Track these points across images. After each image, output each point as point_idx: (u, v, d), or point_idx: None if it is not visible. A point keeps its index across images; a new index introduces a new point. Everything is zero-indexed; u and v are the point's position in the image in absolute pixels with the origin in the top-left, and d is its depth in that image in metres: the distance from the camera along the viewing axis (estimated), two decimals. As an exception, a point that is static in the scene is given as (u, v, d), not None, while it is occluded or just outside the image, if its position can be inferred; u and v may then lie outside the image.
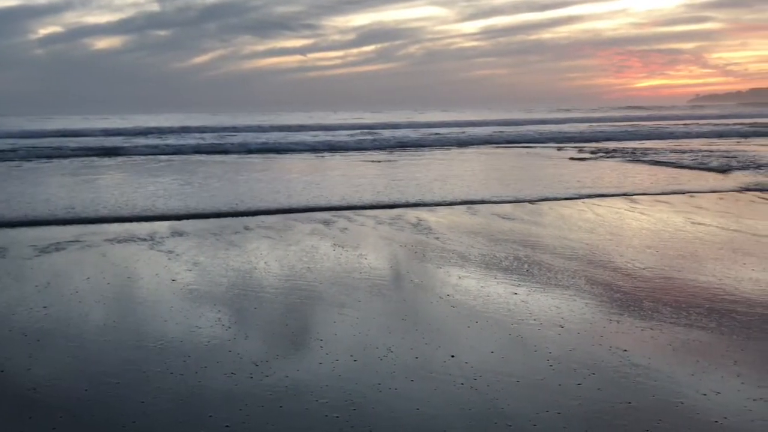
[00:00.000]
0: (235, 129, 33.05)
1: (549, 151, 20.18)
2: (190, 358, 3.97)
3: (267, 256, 6.45)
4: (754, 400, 3.31)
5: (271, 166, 16.78)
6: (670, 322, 4.45)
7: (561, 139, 23.63)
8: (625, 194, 10.35)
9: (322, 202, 9.79)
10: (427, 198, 10.16)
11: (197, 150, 20.77)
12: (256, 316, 4.78)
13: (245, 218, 8.63)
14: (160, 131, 31.44)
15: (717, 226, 7.69)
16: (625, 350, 3.98)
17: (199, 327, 4.51)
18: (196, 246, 7.00)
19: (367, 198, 10.22)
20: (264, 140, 24.14)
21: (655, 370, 3.68)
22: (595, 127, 32.40)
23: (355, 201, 9.52)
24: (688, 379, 3.56)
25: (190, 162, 18.09)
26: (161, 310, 4.88)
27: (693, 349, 3.99)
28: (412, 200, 9.69)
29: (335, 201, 9.93)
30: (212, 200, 10.30)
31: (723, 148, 19.82)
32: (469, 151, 20.67)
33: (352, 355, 3.97)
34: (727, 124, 36.68)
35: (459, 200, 9.90)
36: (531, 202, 9.58)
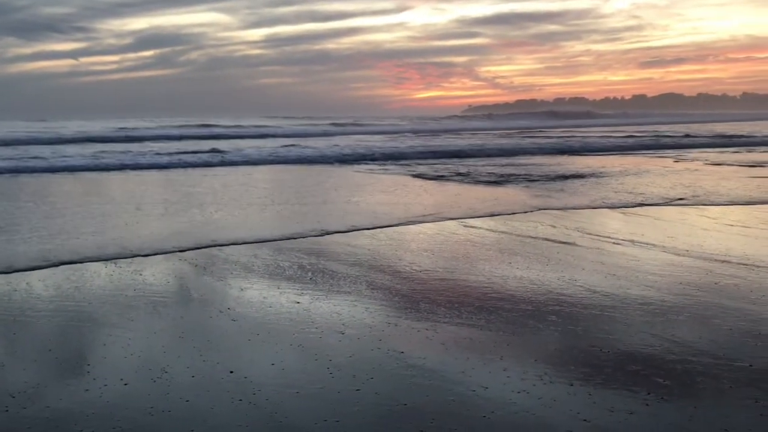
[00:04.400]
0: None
1: (332, 168, 20.47)
2: (-68, 396, 3.52)
3: (28, 275, 5.90)
4: (518, 392, 3.53)
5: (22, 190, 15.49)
6: (444, 322, 4.64)
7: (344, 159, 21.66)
8: (405, 203, 10.77)
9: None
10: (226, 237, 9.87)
11: None
12: (16, 342, 4.35)
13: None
14: None
15: (487, 229, 8.19)
16: (402, 352, 4.09)
17: (-55, 360, 4.01)
18: (-55, 268, 6.25)
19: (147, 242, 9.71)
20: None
21: (429, 370, 3.81)
22: (385, 142, 31.13)
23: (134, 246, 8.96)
24: (459, 377, 3.72)
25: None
26: None
27: (464, 346, 4.19)
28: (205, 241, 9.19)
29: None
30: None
31: (502, 163, 21.30)
32: (261, 170, 20.43)
33: (122, 379, 3.71)
34: (505, 134, 39.52)
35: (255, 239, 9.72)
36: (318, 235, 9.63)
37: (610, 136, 32.81)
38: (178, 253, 6.83)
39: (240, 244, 7.26)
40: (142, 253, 6.77)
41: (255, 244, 7.27)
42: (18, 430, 3.15)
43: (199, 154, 20.79)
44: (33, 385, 3.66)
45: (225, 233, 7.85)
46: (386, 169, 16.83)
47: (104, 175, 16.28)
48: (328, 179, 14.98)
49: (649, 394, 3.49)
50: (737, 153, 21.39)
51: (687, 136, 31.97)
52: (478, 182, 13.64)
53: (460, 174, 15.19)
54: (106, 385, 3.64)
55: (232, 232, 7.91)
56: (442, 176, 14.84)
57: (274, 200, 11.04)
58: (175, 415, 3.29)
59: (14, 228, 8.33)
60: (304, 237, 7.68)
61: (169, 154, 21.18)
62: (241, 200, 11.04)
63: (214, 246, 7.12)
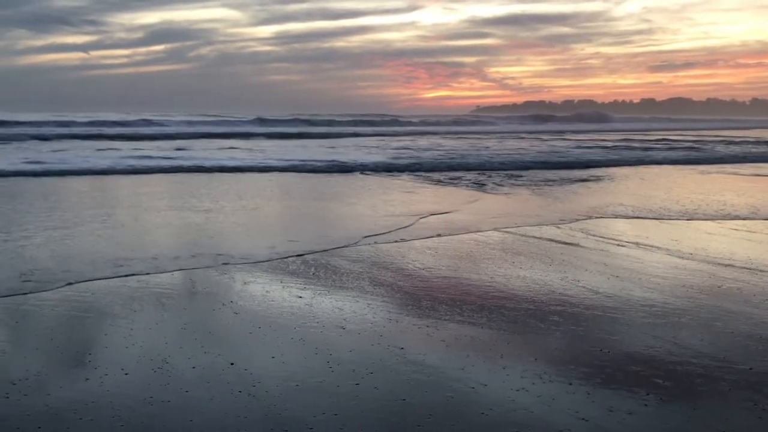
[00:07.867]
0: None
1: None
2: (-67, 381, 3.54)
3: (26, 264, 5.93)
4: (516, 390, 3.53)
5: None
6: (445, 320, 4.64)
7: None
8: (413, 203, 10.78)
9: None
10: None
11: None
12: (19, 330, 4.37)
13: None
14: None
15: (490, 228, 8.18)
16: (402, 348, 4.09)
17: (-53, 346, 4.03)
18: (-50, 256, 6.28)
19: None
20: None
21: (429, 366, 3.82)
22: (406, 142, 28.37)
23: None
24: (458, 374, 3.72)
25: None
26: None
27: (464, 344, 4.19)
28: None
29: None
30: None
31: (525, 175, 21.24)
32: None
33: (123, 369, 3.73)
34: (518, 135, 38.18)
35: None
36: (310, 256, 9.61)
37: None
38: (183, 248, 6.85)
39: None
40: (150, 249, 6.80)
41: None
42: (18, 417, 3.17)
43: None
44: (34, 373, 3.68)
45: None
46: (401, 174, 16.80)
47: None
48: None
49: (648, 394, 3.49)
50: None
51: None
52: (476, 184, 13.62)
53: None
54: (106, 374, 3.65)
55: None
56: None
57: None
58: (175, 405, 3.31)
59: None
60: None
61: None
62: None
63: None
